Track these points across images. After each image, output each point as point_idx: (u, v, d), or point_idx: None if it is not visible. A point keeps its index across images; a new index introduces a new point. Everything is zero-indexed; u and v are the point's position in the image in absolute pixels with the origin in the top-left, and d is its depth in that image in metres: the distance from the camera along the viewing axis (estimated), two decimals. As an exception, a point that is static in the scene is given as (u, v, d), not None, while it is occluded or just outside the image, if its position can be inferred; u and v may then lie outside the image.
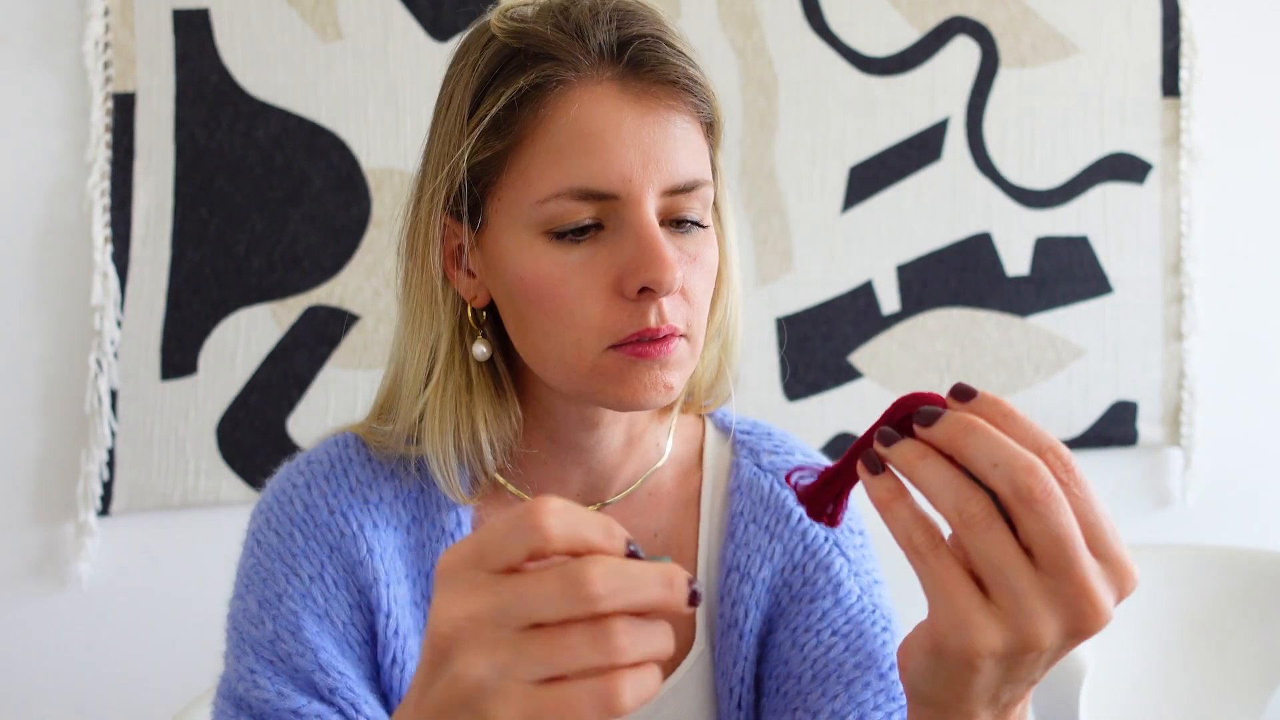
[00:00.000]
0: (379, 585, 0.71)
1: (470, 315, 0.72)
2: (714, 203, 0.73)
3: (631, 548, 0.44)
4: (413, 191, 0.73)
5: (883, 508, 0.48)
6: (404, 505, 0.74)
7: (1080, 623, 0.45)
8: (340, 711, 0.68)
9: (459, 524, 0.74)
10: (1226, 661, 1.60)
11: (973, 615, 0.45)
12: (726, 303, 0.77)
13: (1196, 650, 1.61)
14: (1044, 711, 1.45)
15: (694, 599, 0.43)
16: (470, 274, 0.71)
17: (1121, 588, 0.46)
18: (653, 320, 0.64)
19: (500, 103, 0.65)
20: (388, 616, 0.71)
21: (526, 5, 0.68)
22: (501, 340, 0.73)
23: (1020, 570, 0.44)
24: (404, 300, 0.74)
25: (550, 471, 0.76)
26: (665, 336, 0.65)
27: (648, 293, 0.64)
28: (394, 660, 0.71)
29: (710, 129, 0.70)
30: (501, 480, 0.76)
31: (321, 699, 0.68)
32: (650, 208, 0.64)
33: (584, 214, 0.64)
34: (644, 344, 0.65)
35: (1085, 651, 1.35)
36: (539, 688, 0.41)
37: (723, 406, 0.84)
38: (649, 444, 0.80)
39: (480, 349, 0.71)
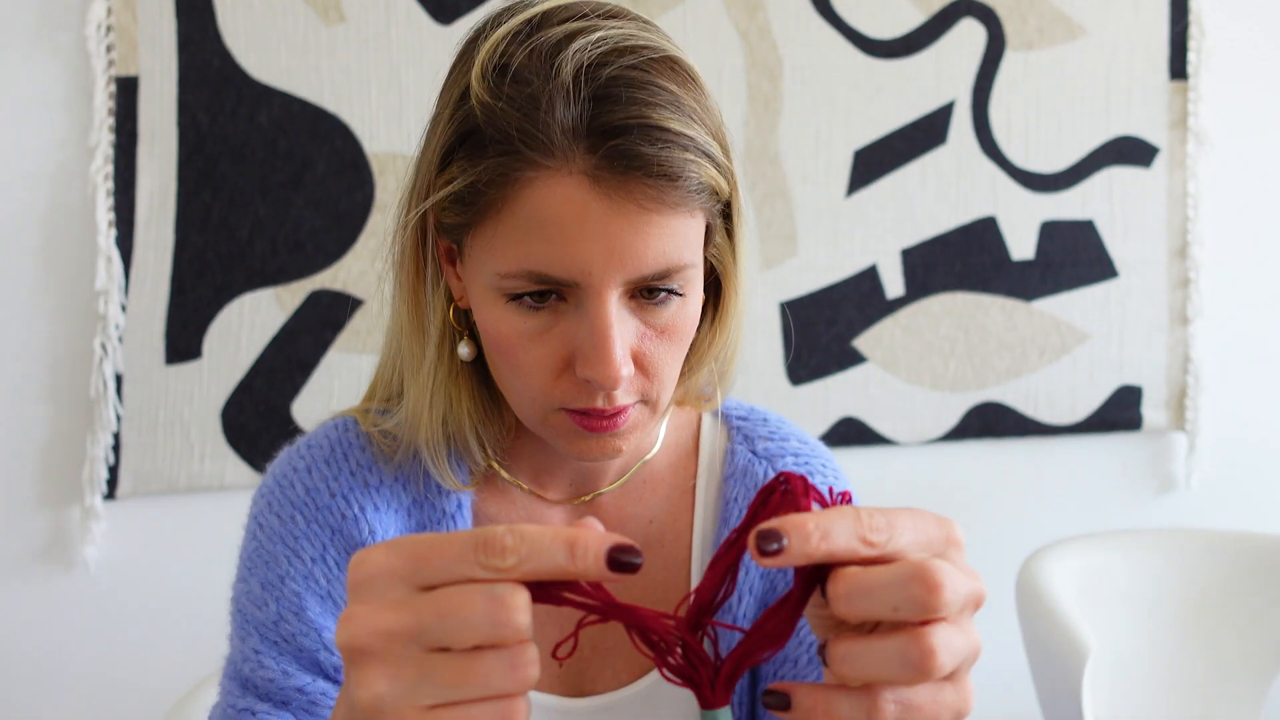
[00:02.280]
0: None
1: (453, 316, 0.71)
2: (725, 234, 0.70)
3: (621, 558, 0.40)
4: (405, 190, 0.70)
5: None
6: (404, 488, 0.75)
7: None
8: None
9: (459, 507, 0.74)
10: (1230, 645, 1.60)
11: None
12: (730, 333, 0.75)
13: (1200, 634, 1.61)
14: (1047, 694, 1.46)
15: (620, 566, 0.40)
16: (459, 277, 0.70)
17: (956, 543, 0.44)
18: (600, 403, 0.64)
19: (459, 181, 0.62)
20: None
21: (512, 53, 0.61)
22: None
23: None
24: (397, 290, 0.72)
25: (542, 462, 0.76)
26: (615, 413, 0.65)
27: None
28: None
29: (707, 208, 0.63)
30: (496, 467, 0.76)
31: (326, 677, 0.69)
32: (610, 300, 0.61)
33: (544, 287, 0.62)
34: (592, 419, 0.64)
35: (1088, 635, 1.35)
36: (434, 711, 0.40)
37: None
38: None
39: (463, 349, 0.71)
